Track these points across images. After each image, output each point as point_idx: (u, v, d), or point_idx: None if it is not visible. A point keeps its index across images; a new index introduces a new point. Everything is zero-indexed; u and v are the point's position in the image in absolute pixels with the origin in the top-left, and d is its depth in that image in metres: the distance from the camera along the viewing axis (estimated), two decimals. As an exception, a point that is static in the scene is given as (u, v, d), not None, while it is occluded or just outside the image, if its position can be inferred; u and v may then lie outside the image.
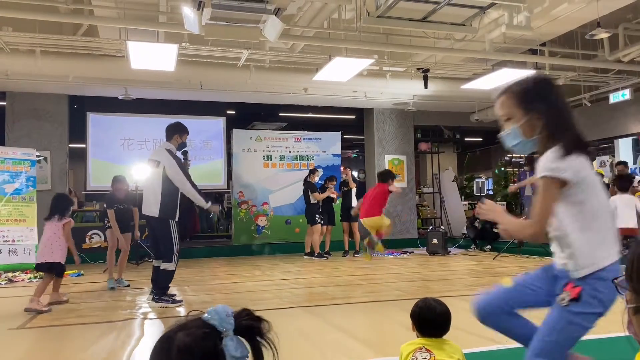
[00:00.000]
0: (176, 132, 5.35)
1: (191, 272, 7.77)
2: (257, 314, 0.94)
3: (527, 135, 1.88)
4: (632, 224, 6.23)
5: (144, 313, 4.84)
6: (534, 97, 1.87)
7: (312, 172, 10.07)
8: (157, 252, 5.32)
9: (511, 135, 1.92)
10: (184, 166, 5.19)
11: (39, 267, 5.28)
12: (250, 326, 0.92)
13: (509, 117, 1.91)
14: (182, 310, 4.95)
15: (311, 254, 9.74)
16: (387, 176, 6.42)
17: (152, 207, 5.10)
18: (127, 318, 4.59)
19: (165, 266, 5.09)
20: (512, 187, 7.94)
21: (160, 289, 5.12)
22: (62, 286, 5.53)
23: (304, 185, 10.05)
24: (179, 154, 5.34)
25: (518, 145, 1.92)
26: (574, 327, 1.72)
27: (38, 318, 4.64)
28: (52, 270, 5.16)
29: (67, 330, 4.28)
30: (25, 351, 3.74)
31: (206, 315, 0.89)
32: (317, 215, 9.76)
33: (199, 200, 5.17)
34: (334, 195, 10.10)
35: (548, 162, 1.74)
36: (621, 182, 6.63)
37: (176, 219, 5.16)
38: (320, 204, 9.84)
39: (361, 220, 6.14)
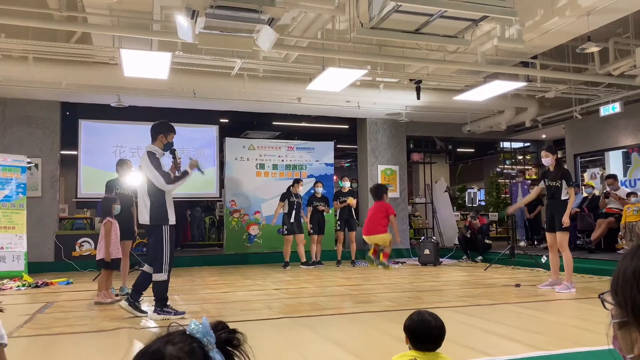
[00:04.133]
0: (160, 132, 5.08)
1: (182, 281, 7.71)
2: (232, 326, 0.96)
3: None
4: None
5: (133, 322, 4.79)
6: None
7: (297, 181, 10.03)
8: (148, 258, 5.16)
9: None
10: (159, 167, 4.91)
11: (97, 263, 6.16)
12: (229, 339, 0.93)
13: None
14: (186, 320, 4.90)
15: (306, 263, 9.74)
16: (380, 192, 6.15)
17: (144, 215, 4.99)
18: (117, 328, 4.54)
19: (156, 277, 4.93)
20: (510, 210, 8.15)
21: (159, 300, 4.98)
22: (50, 294, 5.48)
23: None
24: (166, 155, 5.13)
25: None
26: None
27: (25, 327, 4.58)
28: (101, 266, 6.00)
29: (55, 339, 4.23)
30: (11, 361, 3.69)
31: (190, 328, 0.90)
32: (283, 226, 9.77)
33: (184, 179, 4.99)
34: (323, 208, 10.10)
35: None
36: None
37: (170, 223, 4.95)
38: (292, 215, 9.75)
39: (364, 237, 5.93)
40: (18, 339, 4.19)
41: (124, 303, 4.99)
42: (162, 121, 5.23)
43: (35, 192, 9.73)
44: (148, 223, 4.98)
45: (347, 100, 10.09)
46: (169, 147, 5.13)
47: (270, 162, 11.34)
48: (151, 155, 4.96)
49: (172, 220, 4.97)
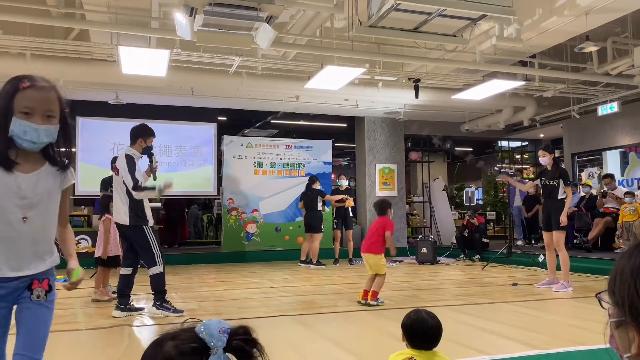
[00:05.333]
0: (140, 135, 5.08)
1: (179, 279, 7.71)
2: (254, 335, 0.91)
3: None
4: None
5: (130, 320, 4.79)
6: None
7: (314, 180, 10.00)
8: (126, 260, 5.17)
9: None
10: (133, 170, 4.92)
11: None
12: (241, 348, 0.89)
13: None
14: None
15: (306, 261, 9.72)
16: (384, 208, 6.06)
17: (121, 215, 4.99)
18: (113, 325, 4.54)
19: (152, 271, 4.96)
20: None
21: (158, 293, 4.99)
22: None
23: (309, 193, 9.93)
24: (144, 158, 5.13)
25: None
26: (52, 314, 1.94)
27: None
28: (99, 264, 5.95)
29: (52, 337, 4.20)
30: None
31: (199, 328, 0.87)
32: (322, 224, 9.73)
33: (151, 193, 4.95)
34: (321, 207, 10.10)
35: None
36: None
37: (150, 224, 4.98)
38: (322, 212, 9.79)
39: (362, 254, 5.94)
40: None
41: (116, 313, 4.94)
42: (142, 124, 5.24)
43: (33, 189, 9.68)
44: (126, 223, 4.98)
45: (346, 99, 10.09)
46: (147, 151, 5.15)
47: (268, 161, 11.33)
48: (129, 158, 4.97)
49: (151, 221, 5.00)
